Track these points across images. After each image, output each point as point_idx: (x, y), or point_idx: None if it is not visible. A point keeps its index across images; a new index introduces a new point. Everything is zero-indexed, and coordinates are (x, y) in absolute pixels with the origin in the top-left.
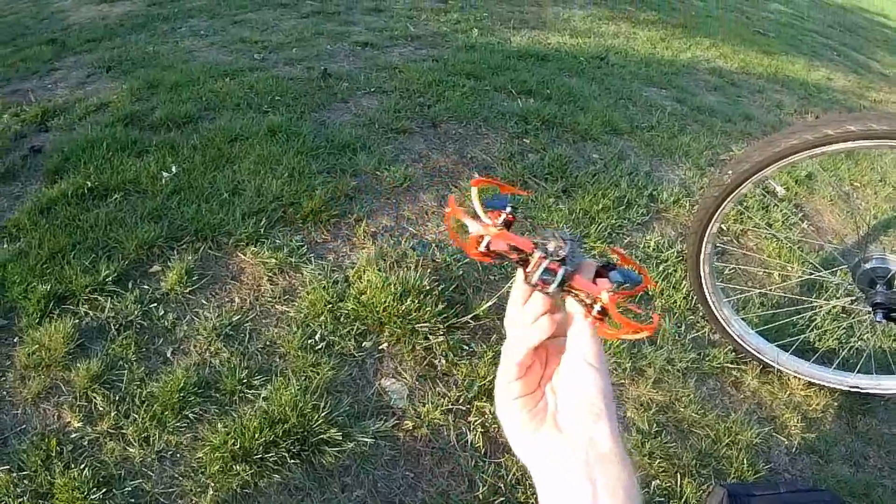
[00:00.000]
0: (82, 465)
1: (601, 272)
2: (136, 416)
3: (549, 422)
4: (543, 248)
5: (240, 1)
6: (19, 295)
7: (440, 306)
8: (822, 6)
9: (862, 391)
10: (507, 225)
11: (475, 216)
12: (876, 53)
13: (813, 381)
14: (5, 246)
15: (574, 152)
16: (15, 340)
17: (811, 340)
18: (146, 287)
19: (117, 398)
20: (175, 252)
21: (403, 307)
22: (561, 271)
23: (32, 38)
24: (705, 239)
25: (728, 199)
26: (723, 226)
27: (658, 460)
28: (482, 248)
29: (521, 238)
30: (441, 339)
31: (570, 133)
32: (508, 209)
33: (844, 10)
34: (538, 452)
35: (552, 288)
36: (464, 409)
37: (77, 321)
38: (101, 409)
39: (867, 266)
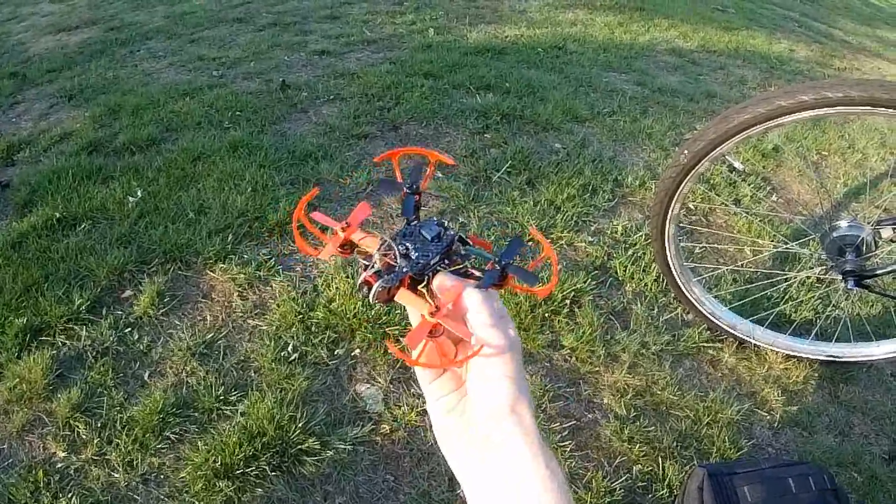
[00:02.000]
0: (70, 495)
1: (471, 274)
2: (119, 441)
3: (462, 424)
4: (383, 253)
5: (196, 19)
6: None
7: None
8: None
9: (841, 360)
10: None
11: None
12: (837, 21)
13: (791, 353)
14: None
15: (536, 143)
16: None
17: (787, 313)
18: (119, 312)
19: (99, 425)
20: (145, 275)
21: (373, 312)
22: (376, 285)
23: None
24: (668, 220)
25: (686, 178)
26: (690, 205)
27: (638, 445)
28: (329, 250)
29: (370, 238)
30: None
31: (531, 125)
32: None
33: None
34: (461, 457)
35: (371, 299)
36: None
37: (55, 352)
38: (84, 437)
39: (836, 234)
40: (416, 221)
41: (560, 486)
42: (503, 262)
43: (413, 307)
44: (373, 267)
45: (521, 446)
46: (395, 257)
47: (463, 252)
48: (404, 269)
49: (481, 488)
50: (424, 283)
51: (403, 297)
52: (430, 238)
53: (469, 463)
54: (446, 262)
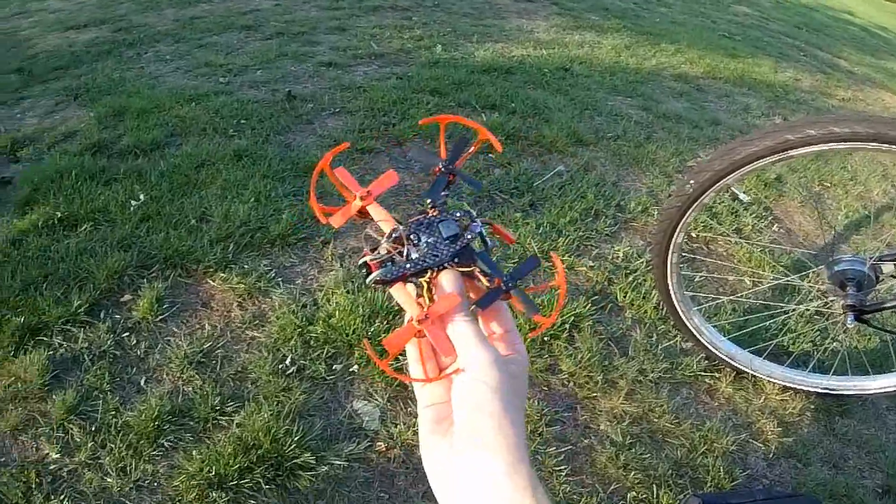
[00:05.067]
0: (62, 496)
1: (477, 278)
2: (113, 446)
3: (449, 439)
4: (393, 241)
5: (204, 24)
6: None
7: None
8: (787, 7)
9: (837, 392)
10: (448, 182)
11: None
12: (842, 51)
13: (788, 385)
14: None
15: (540, 165)
16: None
17: (785, 344)
18: (118, 316)
19: (93, 428)
20: (145, 280)
21: (372, 329)
22: (375, 273)
23: (0, 68)
24: (670, 249)
25: (691, 208)
26: (691, 234)
27: (633, 472)
28: (339, 219)
29: (386, 216)
30: None
31: (536, 146)
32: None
33: (809, 10)
34: (438, 470)
35: (366, 282)
36: None
37: (51, 352)
38: (77, 439)
39: (837, 268)
40: (441, 204)
41: None
42: (509, 285)
43: (403, 306)
44: (378, 253)
45: (502, 476)
46: (403, 251)
47: (477, 251)
48: (406, 266)
49: None
50: (427, 277)
51: (398, 292)
52: (445, 236)
53: (451, 491)
54: (456, 260)
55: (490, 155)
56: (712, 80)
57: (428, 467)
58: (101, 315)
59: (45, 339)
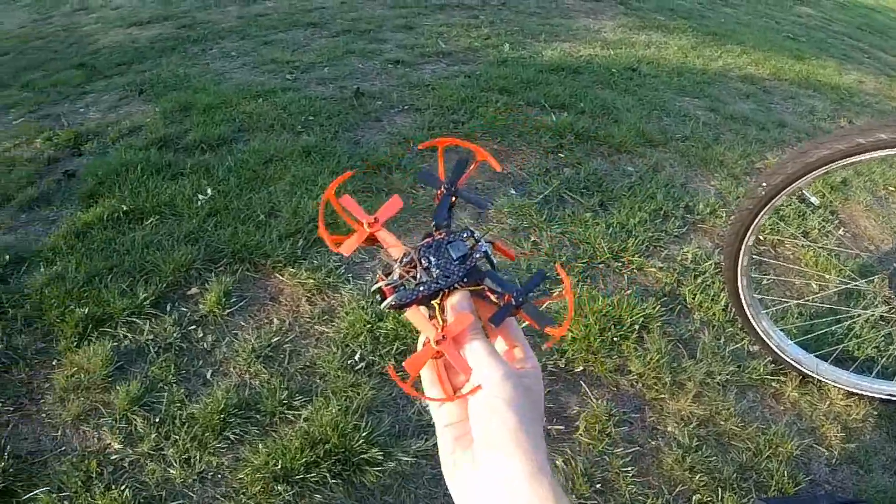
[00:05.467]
0: (123, 487)
1: (487, 297)
2: (177, 438)
3: (469, 455)
4: (404, 265)
5: (270, 21)
6: (57, 318)
7: None
8: (849, 8)
9: None
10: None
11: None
12: None
13: (853, 390)
14: (42, 270)
15: (609, 165)
16: (54, 363)
17: (850, 350)
18: (184, 309)
19: (157, 420)
20: (213, 274)
21: None
22: (390, 298)
23: (62, 63)
24: (741, 251)
25: (763, 211)
26: (759, 236)
27: (699, 474)
28: (351, 245)
29: (395, 242)
30: None
31: (605, 146)
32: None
33: (871, 10)
34: (461, 487)
35: (382, 307)
36: None
37: (115, 344)
38: (141, 430)
39: None
40: (446, 226)
41: None
42: (519, 300)
43: (420, 328)
44: (392, 278)
45: (520, 483)
46: (417, 275)
47: (485, 270)
48: (421, 289)
49: None
50: (439, 298)
51: (412, 315)
52: (455, 258)
53: None
54: (465, 280)
55: (560, 154)
56: (778, 82)
57: (451, 485)
58: (168, 308)
59: (109, 330)
